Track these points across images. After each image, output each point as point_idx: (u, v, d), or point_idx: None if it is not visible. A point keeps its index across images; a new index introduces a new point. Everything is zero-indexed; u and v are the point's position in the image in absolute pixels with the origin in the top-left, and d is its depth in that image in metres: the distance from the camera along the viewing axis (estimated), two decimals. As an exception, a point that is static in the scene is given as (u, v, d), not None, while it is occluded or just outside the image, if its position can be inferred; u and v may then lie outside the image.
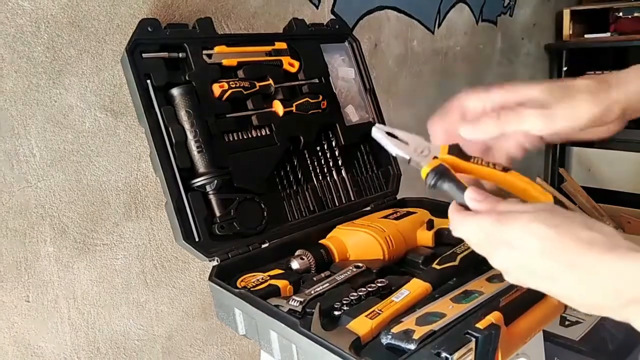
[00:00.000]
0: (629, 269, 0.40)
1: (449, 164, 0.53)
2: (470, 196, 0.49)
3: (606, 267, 0.41)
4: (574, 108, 0.51)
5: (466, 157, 0.53)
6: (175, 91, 0.80)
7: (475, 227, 0.47)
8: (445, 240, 0.86)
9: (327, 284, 0.70)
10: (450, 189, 0.51)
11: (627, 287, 0.40)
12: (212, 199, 0.81)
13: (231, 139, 0.86)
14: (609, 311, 0.42)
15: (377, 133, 0.56)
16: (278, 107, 0.91)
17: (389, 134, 0.56)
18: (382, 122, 1.05)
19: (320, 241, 0.82)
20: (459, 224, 0.49)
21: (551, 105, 0.51)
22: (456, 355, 0.52)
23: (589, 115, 0.51)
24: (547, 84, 0.53)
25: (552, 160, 2.41)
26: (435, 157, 0.54)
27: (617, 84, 0.53)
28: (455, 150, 0.54)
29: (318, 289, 0.69)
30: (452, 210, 0.50)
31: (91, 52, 0.84)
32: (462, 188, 0.51)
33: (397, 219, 0.87)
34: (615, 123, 0.54)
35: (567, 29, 2.19)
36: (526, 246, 0.43)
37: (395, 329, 0.57)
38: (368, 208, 0.99)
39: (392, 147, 0.56)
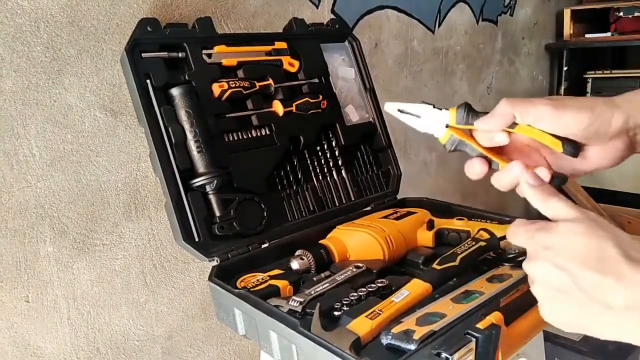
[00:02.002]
0: None
1: (459, 130, 0.57)
2: (528, 180, 0.50)
3: None
4: (561, 116, 0.52)
5: (475, 114, 0.56)
6: (174, 91, 0.80)
7: (522, 232, 0.48)
8: (446, 241, 0.86)
9: (327, 284, 0.70)
10: (468, 150, 0.56)
11: None
12: (212, 199, 0.81)
13: (231, 139, 0.86)
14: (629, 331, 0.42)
15: (390, 110, 0.59)
16: (278, 107, 0.91)
17: (400, 110, 0.59)
18: (382, 121, 1.05)
19: (320, 241, 0.82)
20: (512, 229, 0.50)
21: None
22: (456, 355, 0.52)
23: (575, 120, 0.51)
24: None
25: (552, 160, 2.41)
26: (447, 126, 0.57)
27: (620, 99, 0.53)
28: (463, 110, 0.56)
29: (318, 289, 0.69)
30: (515, 223, 0.51)
31: (91, 51, 0.84)
32: (474, 150, 0.56)
33: (397, 219, 0.87)
34: (621, 141, 0.54)
35: (567, 28, 2.18)
36: (569, 254, 0.44)
37: (396, 329, 0.57)
38: (368, 208, 0.99)
39: (406, 122, 0.59)
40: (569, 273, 0.43)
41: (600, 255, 0.42)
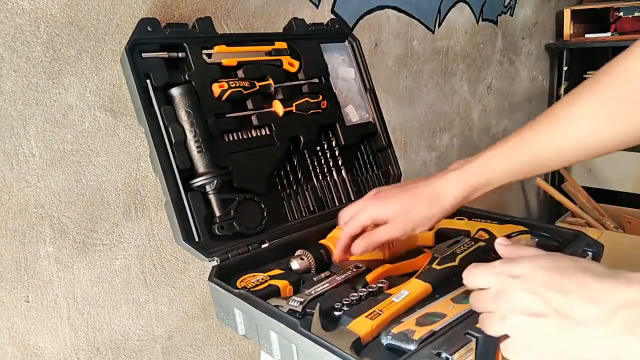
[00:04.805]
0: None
1: None
2: (498, 241, 0.54)
3: (610, 290, 0.41)
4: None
5: None
6: (174, 91, 0.80)
7: (486, 269, 0.50)
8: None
9: (327, 284, 0.70)
10: None
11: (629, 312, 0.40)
12: (212, 199, 0.81)
13: (231, 139, 0.86)
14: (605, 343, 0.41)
15: None
16: (278, 107, 0.91)
17: None
18: (382, 121, 1.05)
19: (320, 241, 0.82)
20: (472, 271, 0.51)
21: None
22: (457, 355, 0.52)
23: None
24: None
25: (552, 160, 2.40)
26: None
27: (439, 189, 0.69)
28: None
29: (318, 289, 0.69)
30: (471, 266, 0.52)
31: (91, 51, 0.84)
32: None
33: (397, 219, 0.86)
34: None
35: (567, 28, 2.18)
36: (538, 279, 0.45)
37: (396, 330, 0.57)
38: (368, 208, 0.99)
39: None
40: (542, 297, 0.44)
41: (566, 277, 0.44)
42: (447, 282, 0.68)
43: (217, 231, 0.79)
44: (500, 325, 0.47)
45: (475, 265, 0.51)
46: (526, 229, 0.82)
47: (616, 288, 0.41)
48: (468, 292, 0.64)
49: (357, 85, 1.05)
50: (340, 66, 1.03)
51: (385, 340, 0.56)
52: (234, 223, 0.81)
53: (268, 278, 0.73)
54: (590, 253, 0.74)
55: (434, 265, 0.71)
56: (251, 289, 0.70)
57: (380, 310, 0.61)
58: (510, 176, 0.67)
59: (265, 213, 0.85)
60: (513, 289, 0.46)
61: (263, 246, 0.83)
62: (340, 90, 1.01)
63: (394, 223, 0.69)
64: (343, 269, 0.75)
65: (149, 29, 0.78)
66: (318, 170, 0.96)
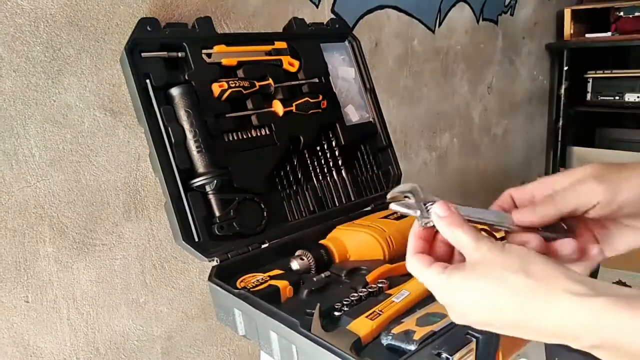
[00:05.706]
0: (567, 313, 0.40)
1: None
2: (436, 211, 0.46)
3: (545, 314, 0.41)
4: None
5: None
6: (174, 91, 0.80)
7: (429, 281, 0.45)
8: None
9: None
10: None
11: (567, 331, 0.40)
12: (212, 199, 0.81)
13: (231, 139, 0.86)
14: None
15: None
16: (278, 107, 0.91)
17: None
18: (383, 121, 1.05)
19: (320, 241, 0.82)
20: (408, 266, 0.47)
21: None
22: (457, 355, 0.52)
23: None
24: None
25: (552, 160, 2.41)
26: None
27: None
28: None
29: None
30: (409, 254, 0.47)
31: (90, 51, 0.84)
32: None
33: (397, 219, 0.86)
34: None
35: (568, 28, 2.18)
36: (472, 311, 0.43)
37: (396, 330, 0.57)
38: (368, 208, 0.99)
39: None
40: (483, 323, 0.43)
41: (495, 310, 0.41)
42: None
43: (216, 231, 0.79)
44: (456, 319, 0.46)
45: (410, 261, 0.46)
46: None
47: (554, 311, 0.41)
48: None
49: (357, 85, 1.05)
50: (340, 66, 1.03)
51: (386, 341, 0.56)
52: (234, 223, 0.81)
53: (268, 278, 0.73)
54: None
55: (434, 266, 0.71)
56: (251, 289, 0.70)
57: (381, 311, 0.61)
58: None
59: (265, 213, 0.85)
60: (455, 315, 0.44)
61: (263, 246, 0.83)
62: (340, 90, 1.01)
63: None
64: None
65: (148, 28, 0.78)
66: (318, 170, 0.96)
